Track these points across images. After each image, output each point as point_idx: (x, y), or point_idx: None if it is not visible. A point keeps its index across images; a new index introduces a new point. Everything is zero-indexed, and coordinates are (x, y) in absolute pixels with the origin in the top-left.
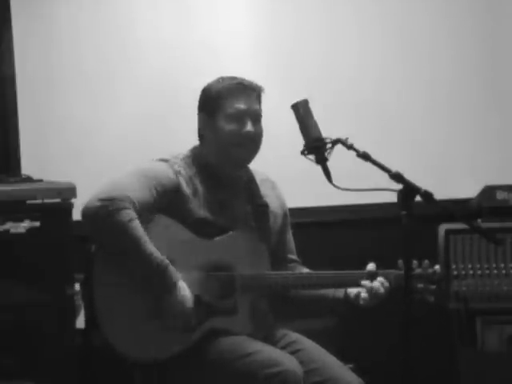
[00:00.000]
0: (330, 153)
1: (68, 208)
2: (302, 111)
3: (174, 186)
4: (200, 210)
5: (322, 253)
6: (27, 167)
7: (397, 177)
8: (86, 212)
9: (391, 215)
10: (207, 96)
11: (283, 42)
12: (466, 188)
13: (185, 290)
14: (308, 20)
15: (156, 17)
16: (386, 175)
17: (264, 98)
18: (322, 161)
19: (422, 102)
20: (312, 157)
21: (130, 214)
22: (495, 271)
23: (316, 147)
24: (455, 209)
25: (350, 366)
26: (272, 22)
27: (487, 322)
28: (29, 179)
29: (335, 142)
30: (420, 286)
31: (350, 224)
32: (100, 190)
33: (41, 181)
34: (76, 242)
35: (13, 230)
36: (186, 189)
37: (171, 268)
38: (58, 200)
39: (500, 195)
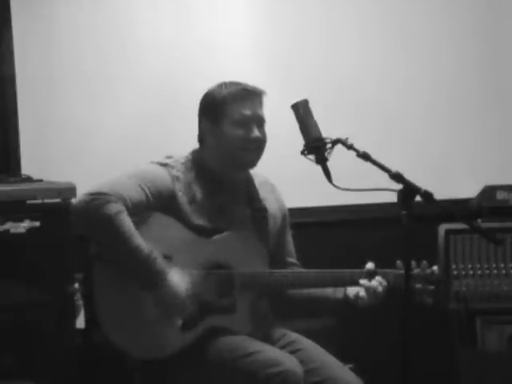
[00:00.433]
0: (329, 153)
1: (68, 208)
2: (302, 111)
3: (169, 191)
4: (196, 218)
5: (321, 253)
6: (27, 167)
7: (397, 177)
8: (75, 207)
9: (391, 215)
10: (210, 102)
11: (283, 42)
12: (466, 188)
13: (176, 280)
14: (308, 20)
15: (156, 17)
16: (385, 175)
17: (264, 98)
18: (321, 161)
19: (422, 101)
20: (312, 157)
21: (116, 207)
22: (495, 271)
23: (316, 147)
24: (455, 209)
25: (350, 365)
26: (272, 22)
27: (487, 321)
28: (29, 179)
29: (335, 142)
30: (418, 286)
31: (350, 224)
32: (93, 186)
33: (41, 181)
34: (76, 242)
35: (13, 230)
36: (183, 195)
37: (159, 261)
38: (58, 200)
39: (500, 195)
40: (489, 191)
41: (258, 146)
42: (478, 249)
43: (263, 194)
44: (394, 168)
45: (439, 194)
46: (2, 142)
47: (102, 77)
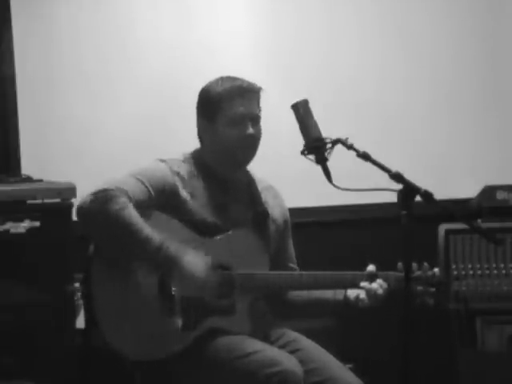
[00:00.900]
0: (329, 153)
1: (68, 208)
2: (302, 111)
3: (171, 186)
4: (199, 212)
5: (321, 253)
6: (27, 167)
7: (397, 177)
8: (80, 208)
9: (391, 215)
10: (206, 99)
11: (283, 42)
12: (466, 188)
13: (193, 259)
14: (308, 20)
15: (156, 17)
16: (385, 175)
17: (264, 97)
18: (321, 161)
19: (422, 101)
20: (312, 157)
21: (122, 201)
22: (495, 271)
23: (316, 147)
24: (455, 209)
25: (350, 366)
26: (272, 21)
27: (487, 321)
28: (29, 179)
29: (335, 142)
30: (419, 288)
31: (350, 224)
32: (94, 188)
33: (41, 181)
34: (76, 242)
35: (13, 230)
36: (184, 190)
37: (173, 247)
38: (57, 200)
39: (500, 195)
40: (489, 191)
41: (252, 143)
42: (478, 249)
43: (265, 198)
44: (393, 168)
45: (439, 194)
46: (2, 142)
47: (102, 77)
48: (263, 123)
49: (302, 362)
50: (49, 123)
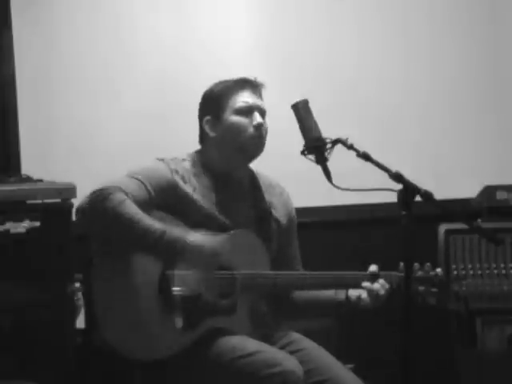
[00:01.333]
0: (329, 153)
1: (68, 208)
2: (302, 111)
3: (170, 183)
4: (200, 208)
5: (322, 253)
6: (27, 167)
7: (397, 177)
8: (79, 207)
9: (391, 215)
10: (210, 98)
11: (283, 42)
12: (466, 188)
13: (196, 238)
14: (308, 20)
15: (156, 17)
16: (385, 175)
17: (264, 97)
18: (321, 161)
19: (421, 101)
20: (312, 157)
21: (119, 197)
22: (495, 271)
23: (316, 147)
24: (455, 209)
25: (350, 366)
26: (272, 22)
27: (487, 322)
28: (29, 179)
29: (335, 142)
30: (421, 288)
31: (350, 224)
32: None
33: (41, 181)
34: (76, 242)
35: (13, 230)
36: (185, 186)
37: (175, 231)
38: (58, 200)
39: (500, 195)
40: (489, 191)
41: (262, 132)
42: (478, 249)
43: (269, 196)
44: (393, 168)
45: (439, 194)
46: (2, 142)
47: (102, 77)
48: None
49: (302, 362)
50: (49, 123)
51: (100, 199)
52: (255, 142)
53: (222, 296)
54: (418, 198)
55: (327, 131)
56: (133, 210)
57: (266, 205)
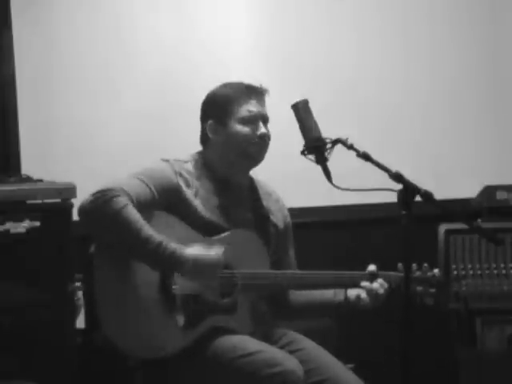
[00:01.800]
0: (329, 153)
1: (68, 208)
2: (301, 111)
3: (173, 186)
4: (202, 211)
5: (321, 252)
6: (27, 167)
7: (397, 177)
8: (81, 208)
9: (391, 215)
10: (215, 102)
11: (283, 43)
12: (466, 188)
13: (195, 250)
14: (308, 20)
15: (156, 17)
16: (385, 175)
17: (266, 96)
18: (321, 161)
19: (421, 101)
20: (312, 157)
21: (122, 201)
22: (495, 271)
23: (316, 147)
24: (455, 209)
25: (350, 366)
26: (272, 22)
27: (487, 322)
28: (29, 179)
29: (335, 142)
30: (419, 288)
31: (350, 224)
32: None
33: (41, 181)
34: (76, 242)
35: (13, 230)
36: (187, 189)
37: (173, 244)
38: (58, 200)
39: (500, 195)
40: (489, 191)
41: (265, 141)
42: (478, 249)
43: (267, 203)
44: (393, 168)
45: (439, 194)
46: (2, 142)
47: (102, 77)
48: None
49: (302, 362)
50: (49, 123)
51: (103, 201)
52: (258, 151)
53: (223, 295)
54: (418, 198)
55: (327, 131)
56: (134, 215)
57: (265, 210)
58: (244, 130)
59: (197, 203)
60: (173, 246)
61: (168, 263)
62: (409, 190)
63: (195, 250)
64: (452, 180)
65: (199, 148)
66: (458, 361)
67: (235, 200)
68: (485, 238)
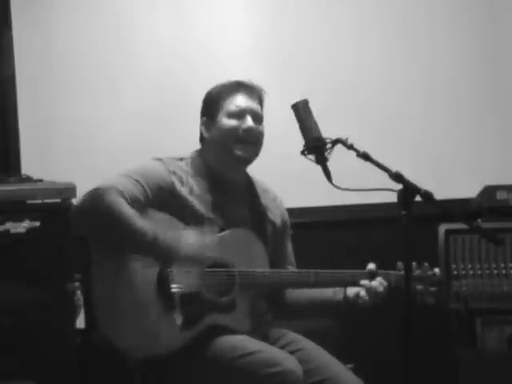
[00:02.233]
0: (329, 153)
1: (68, 208)
2: (301, 111)
3: (167, 184)
4: (197, 209)
5: (321, 252)
6: (27, 167)
7: (397, 177)
8: (76, 207)
9: (391, 215)
10: (208, 99)
11: (283, 42)
12: (466, 188)
13: (189, 240)
14: (307, 20)
15: (155, 17)
16: (385, 175)
17: (264, 96)
18: (321, 161)
19: (422, 101)
20: (312, 157)
21: (115, 197)
22: (495, 271)
23: (316, 147)
24: (455, 209)
25: (350, 366)
26: (271, 22)
27: (487, 322)
28: (29, 179)
29: (335, 142)
30: (419, 287)
31: (350, 224)
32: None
33: (41, 181)
34: (76, 242)
35: (13, 230)
36: (182, 188)
37: (167, 235)
38: (57, 200)
39: (500, 195)
40: (489, 191)
41: (253, 137)
42: (478, 249)
43: (264, 200)
44: (393, 168)
45: (439, 194)
46: (2, 142)
47: (102, 77)
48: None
49: (301, 362)
50: (49, 123)
51: (95, 199)
52: (244, 146)
53: (221, 293)
54: (418, 198)
55: (327, 131)
56: (127, 210)
57: (262, 207)
58: (229, 123)
59: (192, 200)
60: (169, 235)
61: (166, 251)
62: (409, 189)
63: (190, 239)
64: (452, 180)
65: (198, 147)
66: (457, 361)
67: (231, 198)
68: (485, 238)
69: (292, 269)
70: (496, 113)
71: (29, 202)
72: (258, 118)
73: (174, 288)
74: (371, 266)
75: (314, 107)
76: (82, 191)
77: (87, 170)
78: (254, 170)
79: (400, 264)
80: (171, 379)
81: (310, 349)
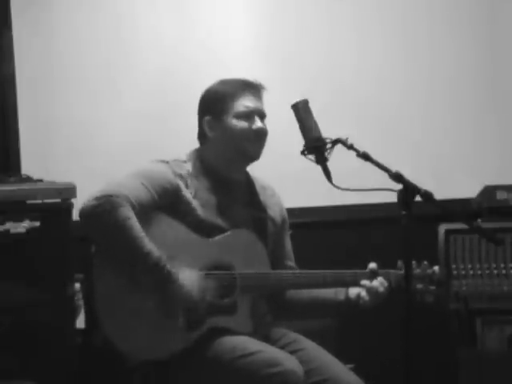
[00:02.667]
0: (329, 153)
1: (68, 208)
2: (301, 111)
3: (173, 187)
4: (201, 212)
5: (321, 252)
6: (27, 167)
7: (397, 177)
8: (83, 211)
9: (391, 215)
10: (211, 98)
11: (283, 42)
12: (466, 188)
13: (187, 285)
14: (308, 20)
15: (156, 17)
16: (385, 175)
17: (264, 97)
18: (321, 161)
19: (421, 101)
20: (312, 157)
21: (125, 213)
22: (495, 271)
23: (316, 147)
24: (455, 209)
25: (350, 366)
26: (272, 22)
27: (487, 322)
28: (29, 179)
29: (335, 142)
30: (419, 286)
31: (350, 224)
32: (98, 189)
33: (41, 181)
34: (76, 242)
35: (13, 230)
36: (186, 191)
37: (169, 266)
38: (58, 200)
39: (500, 195)
40: (489, 191)
41: (262, 137)
42: (478, 249)
43: (263, 197)
44: (393, 168)
45: (439, 194)
46: (2, 142)
47: (102, 77)
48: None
49: (302, 362)
50: (49, 123)
51: (105, 209)
52: (254, 146)
53: (223, 296)
54: (418, 198)
55: (327, 131)
56: (137, 229)
57: (262, 205)
58: (240, 124)
59: (195, 204)
60: (170, 266)
61: (162, 280)
62: (409, 189)
63: (187, 280)
64: (452, 180)
65: (198, 146)
66: (458, 361)
67: (234, 197)
68: (485, 238)
69: (292, 268)
70: (496, 113)
71: (29, 202)
72: (263, 117)
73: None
74: (372, 265)
75: (314, 107)
76: (81, 191)
77: (87, 170)
78: (255, 169)
79: (400, 263)
80: (172, 380)
81: (311, 349)
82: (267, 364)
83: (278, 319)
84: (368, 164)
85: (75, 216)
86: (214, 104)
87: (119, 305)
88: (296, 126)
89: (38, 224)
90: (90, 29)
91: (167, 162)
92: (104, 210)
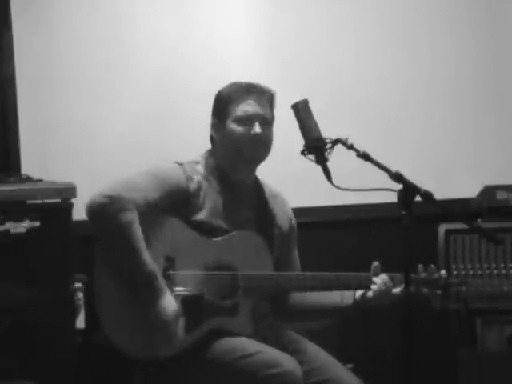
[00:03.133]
0: (329, 153)
1: (68, 208)
2: (301, 111)
3: (182, 191)
4: (208, 215)
5: (322, 252)
6: (27, 167)
7: (397, 177)
8: (90, 207)
9: (391, 215)
10: (218, 101)
11: (283, 42)
12: (466, 188)
13: (169, 304)
14: (308, 20)
15: (156, 17)
16: (385, 175)
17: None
18: (322, 161)
19: (421, 101)
20: (312, 157)
21: (130, 217)
22: (495, 271)
23: (316, 147)
24: (455, 209)
25: (350, 366)
26: (272, 22)
27: (487, 322)
28: (29, 179)
29: (335, 142)
30: (425, 290)
31: (350, 224)
32: (107, 185)
33: (41, 181)
34: (76, 242)
35: (13, 230)
36: (195, 195)
37: (160, 281)
38: (58, 200)
39: (500, 195)
40: (489, 191)
41: (258, 142)
42: (478, 249)
43: (273, 205)
44: (393, 168)
45: (439, 194)
46: (2, 142)
47: (102, 77)
48: None
49: (301, 362)
50: (49, 123)
51: (112, 210)
52: (251, 151)
53: (224, 297)
54: (418, 198)
55: (327, 131)
56: (138, 236)
57: (270, 211)
58: (238, 129)
59: (202, 207)
60: (161, 282)
61: (150, 291)
62: (409, 189)
63: (167, 307)
64: (452, 180)
65: (198, 148)
66: (458, 361)
67: (241, 201)
68: (485, 238)
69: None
70: (496, 112)
71: (29, 202)
72: (265, 122)
73: (177, 291)
74: (375, 264)
75: (314, 107)
76: (82, 191)
77: (87, 170)
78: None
79: (421, 266)
80: (172, 380)
81: (310, 349)
82: (266, 365)
83: (280, 321)
84: (368, 164)
85: (75, 216)
86: (219, 107)
87: (119, 305)
88: (296, 125)
89: (38, 224)
90: (89, 29)
91: (181, 164)
92: (110, 210)
